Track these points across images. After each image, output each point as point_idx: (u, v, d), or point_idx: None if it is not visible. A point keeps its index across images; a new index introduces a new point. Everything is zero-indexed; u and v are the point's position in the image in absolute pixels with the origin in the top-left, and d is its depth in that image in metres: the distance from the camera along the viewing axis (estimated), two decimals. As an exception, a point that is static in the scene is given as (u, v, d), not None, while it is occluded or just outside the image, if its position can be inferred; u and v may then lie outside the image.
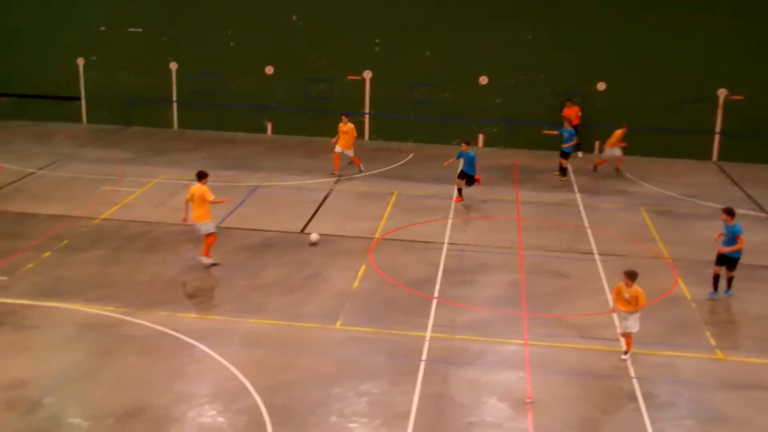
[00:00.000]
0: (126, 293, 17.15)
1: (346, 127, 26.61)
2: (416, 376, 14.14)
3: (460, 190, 24.11)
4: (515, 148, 31.00)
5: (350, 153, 26.79)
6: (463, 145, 24.00)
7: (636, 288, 14.74)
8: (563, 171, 26.97)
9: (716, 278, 17.99)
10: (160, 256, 19.34)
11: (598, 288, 18.25)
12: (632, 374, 14.47)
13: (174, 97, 32.45)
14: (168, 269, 18.52)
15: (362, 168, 27.07)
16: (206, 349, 14.86)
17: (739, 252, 17.70)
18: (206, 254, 18.70)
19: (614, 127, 27.77)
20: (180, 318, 16.11)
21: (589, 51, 30.17)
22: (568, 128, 26.91)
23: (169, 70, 32.16)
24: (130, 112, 32.58)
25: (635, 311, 14.73)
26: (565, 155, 26.82)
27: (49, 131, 31.42)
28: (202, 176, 18.65)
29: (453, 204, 23.77)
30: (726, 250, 17.62)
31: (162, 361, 14.51)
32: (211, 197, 18.41)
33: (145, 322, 15.85)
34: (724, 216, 17.84)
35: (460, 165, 24.24)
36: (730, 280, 18.05)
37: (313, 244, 20.30)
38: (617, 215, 23.51)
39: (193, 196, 18.48)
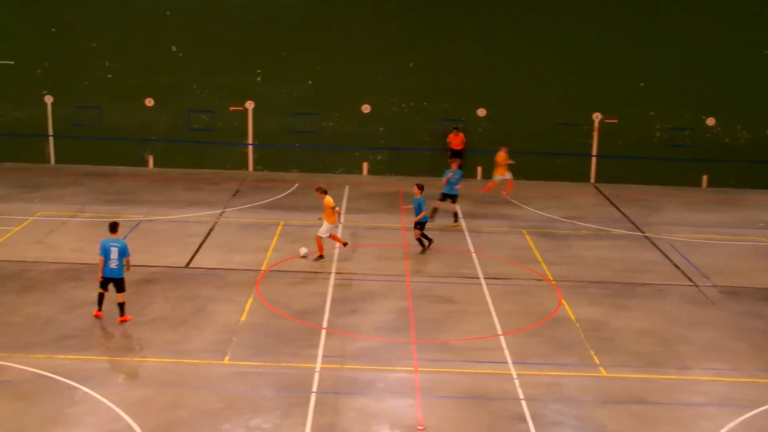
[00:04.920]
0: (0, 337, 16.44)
1: None
2: (307, 408, 13.98)
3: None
4: (399, 175, 31.25)
5: None
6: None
7: None
8: (456, 216, 25.24)
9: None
10: (36, 296, 18.60)
11: (484, 311, 18.49)
12: (520, 395, 14.66)
13: (50, 132, 31.48)
14: (46, 310, 17.82)
15: None
16: (88, 391, 14.33)
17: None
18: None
19: (495, 152, 28.34)
20: (59, 360, 15.50)
21: (469, 77, 30.77)
22: (454, 169, 24.95)
23: (44, 104, 31.19)
24: (3, 147, 31.39)
25: None
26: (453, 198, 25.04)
27: None
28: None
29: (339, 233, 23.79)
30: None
31: (40, 406, 13.90)
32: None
33: (21, 365, 15.19)
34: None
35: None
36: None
37: (303, 256, 21.68)
38: (501, 239, 23.93)
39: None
